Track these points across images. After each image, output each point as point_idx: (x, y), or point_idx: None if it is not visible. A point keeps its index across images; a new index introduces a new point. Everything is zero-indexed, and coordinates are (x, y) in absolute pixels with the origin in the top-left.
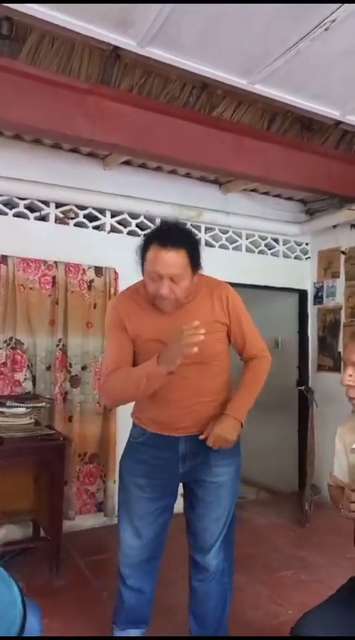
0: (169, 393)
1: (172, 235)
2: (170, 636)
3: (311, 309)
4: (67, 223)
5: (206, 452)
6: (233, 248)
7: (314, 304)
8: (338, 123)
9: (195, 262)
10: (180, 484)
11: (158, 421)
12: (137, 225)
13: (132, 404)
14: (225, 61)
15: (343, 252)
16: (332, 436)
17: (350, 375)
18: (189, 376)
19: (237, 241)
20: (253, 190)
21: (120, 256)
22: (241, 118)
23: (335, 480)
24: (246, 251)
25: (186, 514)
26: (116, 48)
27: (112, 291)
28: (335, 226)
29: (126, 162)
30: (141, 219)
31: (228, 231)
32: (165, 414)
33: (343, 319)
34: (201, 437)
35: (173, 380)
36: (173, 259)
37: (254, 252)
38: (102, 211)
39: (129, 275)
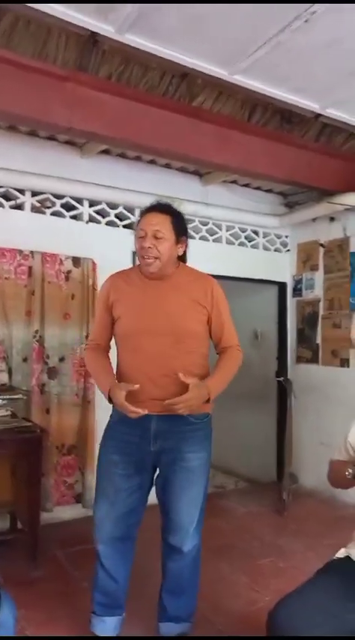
0: (143, 359)
1: (159, 205)
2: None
3: (291, 302)
4: (44, 212)
5: (177, 436)
6: (213, 240)
7: (294, 296)
8: (318, 116)
9: (178, 230)
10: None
11: (130, 399)
12: (116, 216)
13: None
14: (205, 51)
15: (322, 245)
16: (310, 426)
17: None
18: (163, 347)
19: (217, 233)
20: (233, 182)
21: (98, 247)
22: (221, 109)
23: (346, 446)
24: (226, 243)
25: (160, 498)
26: (94, 34)
27: (90, 282)
28: (314, 219)
29: (105, 151)
30: (120, 209)
31: (208, 223)
32: (139, 381)
33: (321, 311)
34: (167, 402)
35: (147, 348)
36: (157, 219)
37: (234, 244)
38: (79, 200)
39: (108, 265)
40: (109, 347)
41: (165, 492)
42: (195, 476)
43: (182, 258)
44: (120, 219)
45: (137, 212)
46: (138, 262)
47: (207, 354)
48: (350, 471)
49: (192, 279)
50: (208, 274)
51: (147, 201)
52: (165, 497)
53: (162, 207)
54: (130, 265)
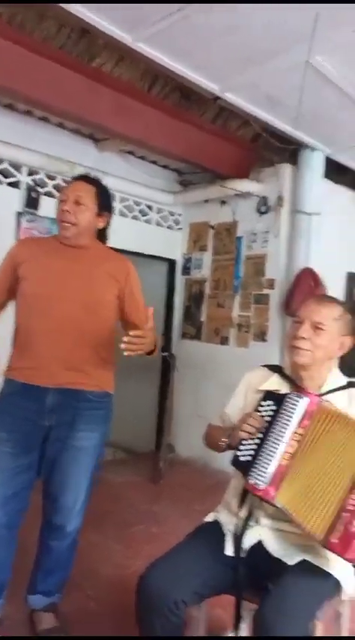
0: (50, 324)
1: (87, 176)
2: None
3: (180, 279)
4: None
5: (73, 412)
6: None
7: (183, 274)
8: (217, 98)
9: (101, 203)
10: None
11: (30, 366)
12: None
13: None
14: (108, 11)
15: (212, 227)
16: (189, 399)
17: (305, 332)
18: (73, 314)
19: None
20: (130, 153)
21: None
22: (122, 75)
23: (223, 417)
24: (119, 215)
25: (45, 476)
26: None
27: None
28: (206, 201)
29: None
30: (5, 165)
31: None
32: (41, 353)
33: (207, 291)
34: (132, 332)
35: (56, 313)
36: (82, 187)
37: (127, 216)
38: None
39: None
40: (3, 307)
41: (52, 470)
42: (84, 456)
43: (102, 238)
44: (5, 176)
45: (24, 170)
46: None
47: (113, 329)
48: (225, 440)
49: (110, 257)
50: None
51: (37, 159)
52: (51, 475)
53: (89, 178)
54: (14, 227)
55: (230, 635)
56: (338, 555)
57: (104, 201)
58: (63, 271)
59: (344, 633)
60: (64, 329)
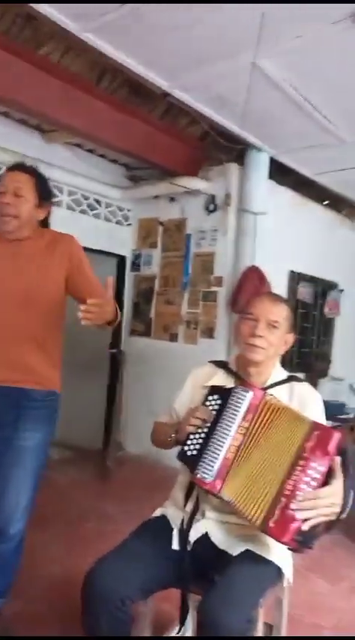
0: None
1: (24, 165)
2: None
3: (129, 276)
4: None
5: (16, 412)
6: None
7: (132, 271)
8: (166, 95)
9: (41, 193)
10: None
11: None
12: None
13: None
14: None
15: (161, 224)
16: (139, 395)
17: (262, 330)
18: (14, 311)
19: (57, 196)
20: (78, 146)
21: None
22: (69, 66)
23: (171, 412)
24: (67, 208)
25: None
26: None
27: None
28: (156, 197)
29: None
30: None
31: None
32: None
33: (157, 288)
34: (90, 301)
35: None
36: (20, 177)
37: (75, 210)
38: None
39: None
40: None
41: None
42: (28, 456)
43: (44, 226)
44: None
45: None
46: None
47: (61, 323)
48: (173, 435)
49: (53, 238)
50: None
51: None
52: None
53: (26, 168)
54: None
55: (176, 629)
56: (276, 539)
57: (44, 191)
58: (3, 268)
59: (285, 619)
60: (5, 328)
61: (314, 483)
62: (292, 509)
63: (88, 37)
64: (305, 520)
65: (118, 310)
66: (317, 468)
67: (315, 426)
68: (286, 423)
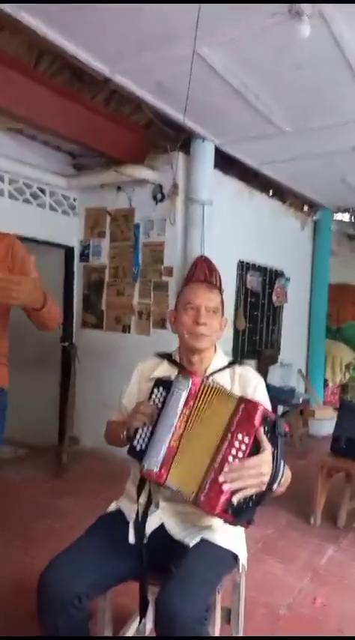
0: None
1: None
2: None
3: (78, 267)
4: None
5: None
6: None
7: (81, 262)
8: (108, 80)
9: None
10: None
11: None
12: None
13: None
14: None
15: (109, 213)
16: (93, 389)
17: (205, 317)
18: None
19: None
20: (18, 132)
21: None
22: (4, 47)
23: (120, 409)
24: (9, 197)
25: None
26: None
27: None
28: (102, 186)
29: None
30: None
31: None
32: None
33: (107, 278)
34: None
35: None
36: None
37: (18, 199)
38: None
39: None
40: None
41: None
42: None
43: None
44: None
45: None
46: None
47: (7, 324)
48: (125, 433)
49: None
50: (6, 232)
51: None
52: None
53: None
54: None
55: (137, 622)
56: (208, 513)
57: None
58: None
59: (242, 602)
60: None
61: (240, 455)
62: (220, 482)
63: (22, 16)
64: (235, 492)
65: (47, 297)
66: (242, 440)
67: (241, 400)
68: (217, 403)
